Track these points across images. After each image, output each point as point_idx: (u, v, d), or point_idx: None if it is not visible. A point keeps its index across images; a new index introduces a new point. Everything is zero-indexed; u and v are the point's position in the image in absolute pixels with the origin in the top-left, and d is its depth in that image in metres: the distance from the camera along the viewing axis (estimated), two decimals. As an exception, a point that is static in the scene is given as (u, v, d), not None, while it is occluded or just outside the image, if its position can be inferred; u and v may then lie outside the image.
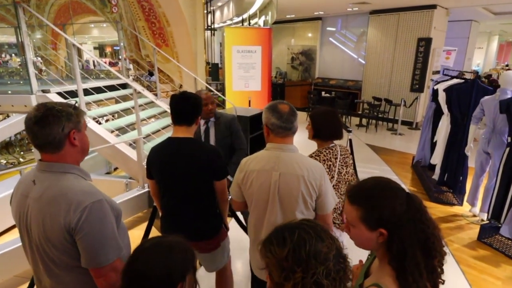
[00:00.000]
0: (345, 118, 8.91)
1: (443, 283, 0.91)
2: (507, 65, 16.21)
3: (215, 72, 9.63)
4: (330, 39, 10.68)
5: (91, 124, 3.70)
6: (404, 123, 8.33)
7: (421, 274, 0.85)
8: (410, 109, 8.35)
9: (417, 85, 8.44)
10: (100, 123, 5.18)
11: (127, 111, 4.51)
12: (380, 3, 7.92)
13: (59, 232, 1.07)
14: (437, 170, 4.45)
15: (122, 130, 4.11)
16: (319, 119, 1.90)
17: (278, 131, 1.50)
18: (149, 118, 4.99)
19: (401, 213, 0.87)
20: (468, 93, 3.82)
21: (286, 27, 11.76)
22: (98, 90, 4.46)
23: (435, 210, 4.01)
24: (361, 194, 0.94)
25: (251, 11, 9.21)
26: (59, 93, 3.90)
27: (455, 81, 4.30)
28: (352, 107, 9.34)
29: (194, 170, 1.77)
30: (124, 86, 5.19)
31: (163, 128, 4.18)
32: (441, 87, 4.34)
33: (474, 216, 3.81)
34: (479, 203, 3.76)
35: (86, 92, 4.10)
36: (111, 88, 4.71)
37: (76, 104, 1.20)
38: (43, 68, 6.28)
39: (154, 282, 0.83)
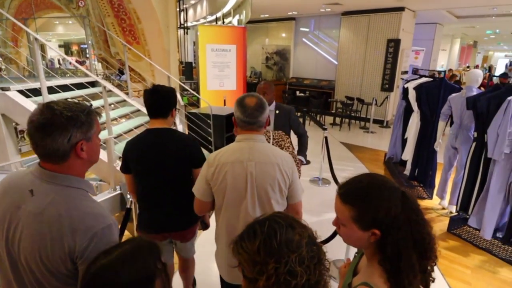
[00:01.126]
0: (320, 117, 9.05)
1: (433, 281, 0.89)
2: (468, 67, 17.27)
3: (189, 71, 9.46)
4: (304, 39, 10.82)
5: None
6: (375, 121, 8.59)
7: (415, 276, 0.83)
8: (381, 108, 8.62)
9: (387, 84, 8.73)
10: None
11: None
12: (352, 4, 8.12)
13: (60, 257, 0.93)
14: (408, 165, 4.61)
15: (91, 130, 3.89)
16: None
17: (242, 125, 1.51)
18: (121, 117, 4.78)
19: (396, 214, 0.84)
20: (436, 91, 3.98)
21: (260, 27, 11.78)
22: (65, 88, 4.21)
23: (407, 204, 4.15)
24: (354, 193, 0.89)
25: (225, 9, 9.13)
26: (21, 91, 3.64)
27: (424, 79, 4.47)
28: (326, 106, 9.52)
29: (172, 159, 1.77)
30: (93, 84, 4.94)
31: (135, 128, 4.01)
32: (411, 85, 4.50)
33: (443, 208, 3.97)
34: (447, 196, 3.93)
35: (52, 90, 3.85)
36: (79, 86, 4.46)
37: (92, 107, 1.02)
38: (3, 66, 5.86)
39: None
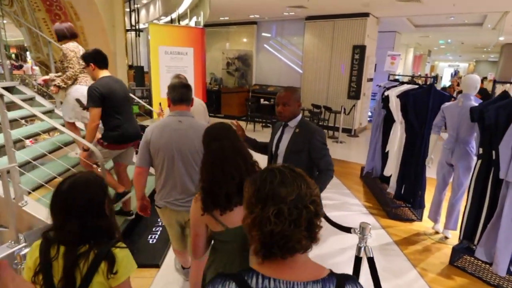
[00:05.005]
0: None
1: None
2: (419, 75, 18.08)
3: (140, 76, 8.45)
4: (265, 45, 10.27)
5: None
6: (343, 130, 8.20)
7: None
8: (348, 116, 8.27)
9: (354, 92, 8.43)
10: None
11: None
12: (317, 7, 7.70)
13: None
14: (393, 183, 4.10)
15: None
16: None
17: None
18: (45, 132, 3.74)
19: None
20: (425, 100, 3.51)
21: (220, 31, 11.06)
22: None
23: (395, 229, 3.60)
24: None
25: (181, 10, 8.30)
26: None
27: (406, 86, 4.02)
28: (292, 115, 8.98)
29: None
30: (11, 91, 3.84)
31: (65, 144, 3.00)
32: (392, 93, 4.03)
33: (437, 233, 3.48)
34: (442, 219, 3.44)
35: None
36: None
37: None
38: None
39: (88, 205, 1.15)
